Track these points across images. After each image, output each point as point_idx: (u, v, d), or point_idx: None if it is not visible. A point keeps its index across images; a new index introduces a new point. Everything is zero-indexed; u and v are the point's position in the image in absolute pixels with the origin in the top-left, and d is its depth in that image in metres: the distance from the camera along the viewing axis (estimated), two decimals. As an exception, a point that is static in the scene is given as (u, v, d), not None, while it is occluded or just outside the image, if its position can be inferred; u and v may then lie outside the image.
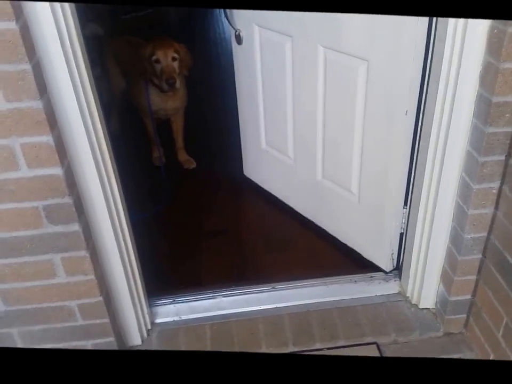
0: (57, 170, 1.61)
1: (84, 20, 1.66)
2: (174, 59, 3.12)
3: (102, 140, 1.76)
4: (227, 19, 2.70)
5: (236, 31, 2.66)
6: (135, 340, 2.21)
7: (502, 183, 1.84)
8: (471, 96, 1.75)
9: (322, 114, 2.44)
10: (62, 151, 1.62)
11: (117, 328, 2.09)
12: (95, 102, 1.71)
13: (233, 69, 2.93)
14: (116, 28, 4.40)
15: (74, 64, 1.57)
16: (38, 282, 1.82)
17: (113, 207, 1.88)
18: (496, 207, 1.89)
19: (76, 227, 1.72)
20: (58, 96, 1.59)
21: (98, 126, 1.73)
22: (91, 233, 1.85)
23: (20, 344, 1.97)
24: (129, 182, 2.16)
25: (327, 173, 2.60)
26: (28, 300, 1.86)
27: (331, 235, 2.73)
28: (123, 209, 1.96)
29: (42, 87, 1.52)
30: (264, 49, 2.61)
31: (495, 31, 1.59)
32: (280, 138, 2.80)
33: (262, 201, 3.10)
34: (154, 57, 3.09)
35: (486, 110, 1.70)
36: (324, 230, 2.77)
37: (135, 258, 2.11)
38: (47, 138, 1.55)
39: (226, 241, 2.83)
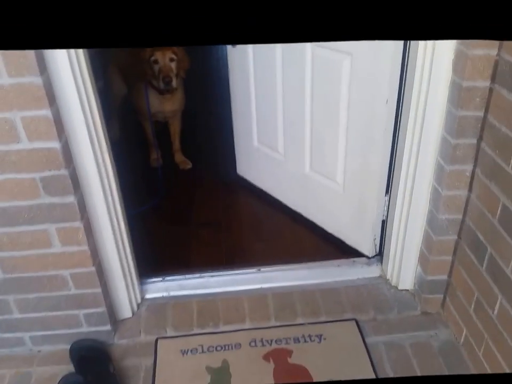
0: (55, 144, 1.72)
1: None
2: (171, 60, 3.28)
3: (96, 118, 1.87)
4: None
5: None
6: (126, 312, 2.32)
7: (474, 166, 1.95)
8: (445, 82, 1.87)
9: (310, 108, 2.56)
10: (59, 126, 1.74)
11: (109, 299, 2.20)
12: (91, 83, 1.82)
13: (228, 76, 3.08)
14: None
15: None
16: (34, 251, 1.94)
17: (106, 184, 2.00)
18: (470, 190, 2.00)
19: (71, 199, 1.83)
20: (57, 75, 1.70)
21: (94, 105, 1.85)
22: (85, 206, 1.96)
23: (15, 312, 2.08)
24: (127, 182, 2.31)
25: (314, 165, 2.72)
26: (24, 268, 1.97)
27: (319, 226, 2.85)
28: (116, 188, 2.08)
29: (43, 65, 1.63)
30: (256, 49, 2.74)
31: (466, 20, 1.70)
32: (271, 135, 2.93)
33: (253, 197, 3.25)
34: (153, 58, 3.26)
35: (458, 95, 1.82)
36: (311, 221, 2.89)
37: (127, 236, 2.23)
38: (46, 113, 1.66)
39: (217, 231, 2.97)
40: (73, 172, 1.84)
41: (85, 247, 1.95)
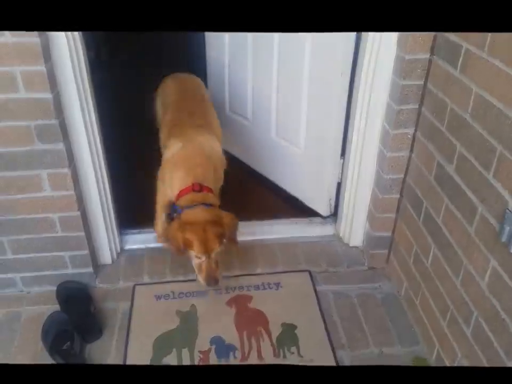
0: (48, 95, 1.98)
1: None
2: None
3: (85, 77, 2.15)
4: None
5: None
6: (106, 258, 2.58)
7: (415, 129, 2.23)
8: (391, 56, 2.15)
9: (276, 79, 2.85)
10: (52, 80, 2.00)
11: (91, 243, 2.46)
12: (82, 48, 2.10)
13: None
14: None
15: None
16: (27, 195, 2.19)
17: (91, 136, 2.26)
18: (411, 150, 2.28)
19: (60, 146, 2.09)
20: (54, 37, 1.97)
21: (83, 66, 2.13)
22: (73, 155, 2.22)
23: (9, 252, 2.33)
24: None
25: (280, 131, 3.01)
26: (18, 211, 2.22)
27: (280, 187, 3.15)
28: (100, 141, 2.34)
29: (41, 27, 1.90)
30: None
31: (409, -2, 1.98)
32: (241, 103, 3.21)
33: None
34: (195, 256, 2.28)
35: (401, 66, 2.10)
36: (274, 183, 3.19)
37: (109, 186, 2.49)
38: (41, 68, 1.92)
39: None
40: (62, 122, 2.09)
41: (72, 192, 2.20)
